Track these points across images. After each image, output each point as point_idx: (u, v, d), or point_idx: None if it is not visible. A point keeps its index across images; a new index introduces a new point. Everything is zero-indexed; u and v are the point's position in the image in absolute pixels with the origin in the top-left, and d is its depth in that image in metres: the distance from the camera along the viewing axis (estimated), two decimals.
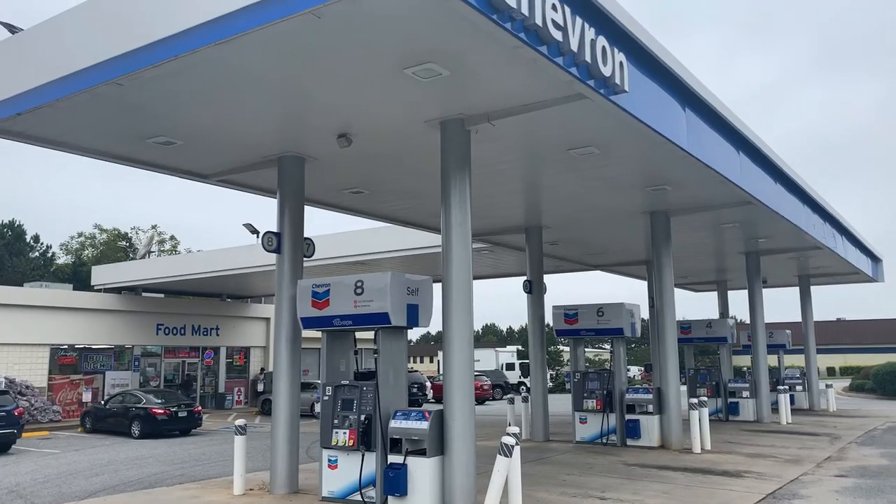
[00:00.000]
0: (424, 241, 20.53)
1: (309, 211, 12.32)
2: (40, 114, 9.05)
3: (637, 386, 17.05)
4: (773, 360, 26.02)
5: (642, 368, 55.23)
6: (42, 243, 47.94)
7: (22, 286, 30.58)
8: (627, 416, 15.60)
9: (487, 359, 46.48)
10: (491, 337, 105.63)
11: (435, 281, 10.38)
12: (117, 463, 15.77)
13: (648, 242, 18.04)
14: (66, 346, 26.96)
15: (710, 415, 16.19)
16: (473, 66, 8.10)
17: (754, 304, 21.53)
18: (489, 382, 36.82)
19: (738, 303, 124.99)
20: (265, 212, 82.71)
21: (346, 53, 7.71)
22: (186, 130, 10.22)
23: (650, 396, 15.48)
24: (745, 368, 29.97)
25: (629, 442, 15.47)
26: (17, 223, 46.55)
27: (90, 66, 8.16)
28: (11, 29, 9.42)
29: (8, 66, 9.12)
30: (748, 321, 21.93)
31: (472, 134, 9.90)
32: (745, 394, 21.18)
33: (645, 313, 19.52)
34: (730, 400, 21.45)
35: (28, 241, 47.01)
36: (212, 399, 31.91)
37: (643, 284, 24.77)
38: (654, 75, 9.62)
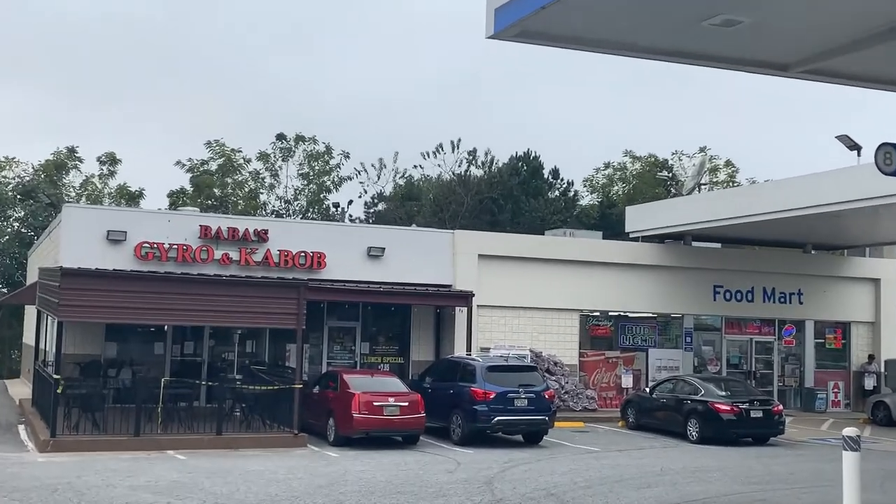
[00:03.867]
0: None
1: None
2: (567, 3, 10.20)
3: None
4: None
5: None
6: (562, 179, 54.20)
7: (542, 234, 35.27)
8: None
9: None
10: None
11: None
12: (673, 473, 17.26)
13: None
14: (598, 314, 30.31)
15: None
16: None
17: None
18: None
19: None
20: (855, 123, 78.88)
21: None
22: (756, 1, 10.33)
23: None
24: None
25: None
26: (533, 154, 53.67)
27: None
28: None
29: None
30: None
31: None
32: None
33: None
34: None
35: (546, 176, 53.81)
36: (795, 396, 32.35)
37: None
38: None
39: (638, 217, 33.97)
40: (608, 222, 47.79)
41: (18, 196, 51.96)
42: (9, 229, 52.33)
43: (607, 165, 59.04)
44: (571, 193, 54.84)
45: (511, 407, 20.95)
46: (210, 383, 22.57)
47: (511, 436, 21.64)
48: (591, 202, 56.65)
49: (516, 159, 53.68)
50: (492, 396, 20.90)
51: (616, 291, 30.12)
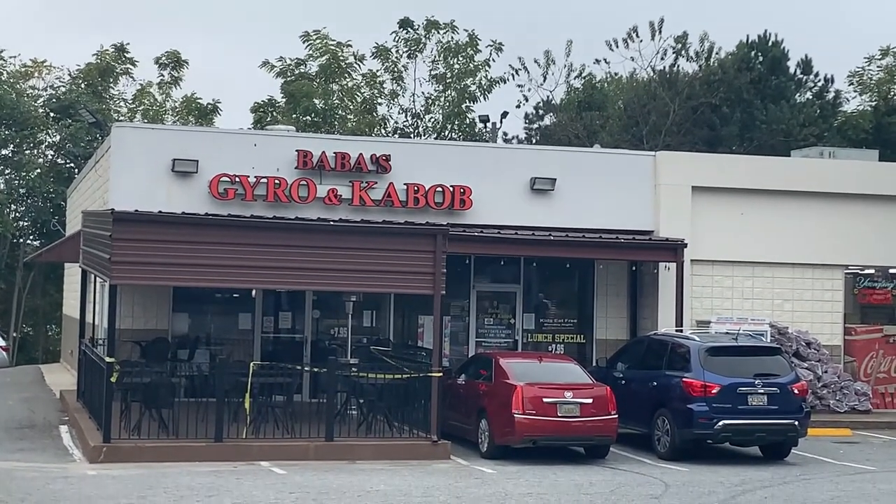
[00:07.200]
0: None
1: None
2: None
3: None
4: None
5: None
6: (816, 75, 52.61)
7: (787, 156, 34.46)
8: None
9: None
10: None
11: None
12: None
13: None
14: (873, 271, 29.57)
15: None
16: None
17: None
18: None
19: None
20: None
21: None
22: None
23: None
24: None
25: None
26: (773, 39, 52.11)
27: None
28: None
29: None
30: None
31: None
32: None
33: None
34: None
35: (792, 72, 52.32)
36: None
37: None
38: None
39: None
40: (887, 136, 46.41)
41: (51, 114, 52.91)
42: (40, 160, 53.63)
43: (885, 52, 57.02)
44: (831, 95, 53.45)
45: (743, 406, 20.72)
46: (316, 370, 23.01)
47: (743, 447, 21.44)
48: (862, 107, 54.94)
49: (747, 47, 52.52)
50: (715, 391, 20.69)
51: None
